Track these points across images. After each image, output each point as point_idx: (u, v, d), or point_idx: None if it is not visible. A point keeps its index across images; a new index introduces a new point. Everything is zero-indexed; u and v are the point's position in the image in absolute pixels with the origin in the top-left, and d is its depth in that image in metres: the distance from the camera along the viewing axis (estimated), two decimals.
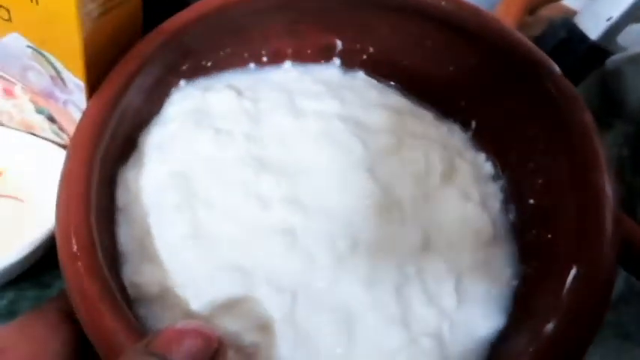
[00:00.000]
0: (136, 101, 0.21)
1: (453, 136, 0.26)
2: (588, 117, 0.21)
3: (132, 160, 0.21)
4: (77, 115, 0.22)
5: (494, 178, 0.24)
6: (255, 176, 0.21)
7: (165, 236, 0.20)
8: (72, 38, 0.20)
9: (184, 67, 0.24)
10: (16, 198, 0.23)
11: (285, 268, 0.20)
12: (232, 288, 0.19)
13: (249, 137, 0.22)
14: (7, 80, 0.22)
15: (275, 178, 0.22)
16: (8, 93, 0.23)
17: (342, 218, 0.21)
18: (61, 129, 0.24)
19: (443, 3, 0.24)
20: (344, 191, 0.22)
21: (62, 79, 0.21)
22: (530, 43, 0.23)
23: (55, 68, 0.21)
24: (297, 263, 0.20)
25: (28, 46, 0.21)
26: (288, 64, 0.26)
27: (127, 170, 0.21)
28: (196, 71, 0.24)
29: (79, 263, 0.17)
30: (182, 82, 0.24)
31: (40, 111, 0.23)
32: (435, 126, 0.26)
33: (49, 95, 0.22)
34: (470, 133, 0.25)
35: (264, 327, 0.19)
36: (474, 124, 0.25)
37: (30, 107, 0.23)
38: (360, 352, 0.19)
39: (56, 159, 0.23)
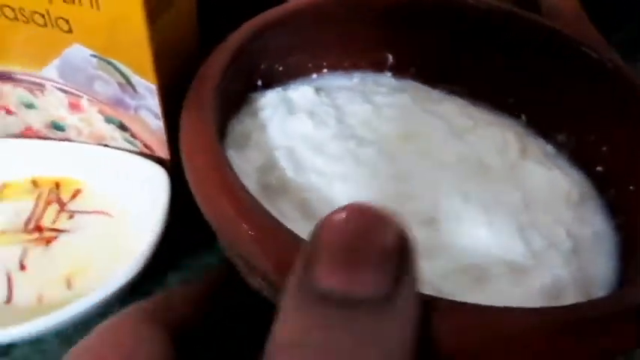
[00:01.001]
0: (230, 87, 0.21)
1: (513, 124, 0.27)
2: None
3: (229, 141, 0.21)
4: (151, 120, 0.22)
5: (559, 155, 0.25)
6: (357, 148, 0.22)
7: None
8: (139, 41, 0.19)
9: (262, 67, 0.24)
10: (104, 213, 0.23)
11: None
12: None
13: (340, 120, 0.23)
14: (73, 94, 0.22)
15: (376, 149, 0.22)
16: (75, 107, 0.22)
17: (448, 177, 0.22)
18: (134, 136, 0.23)
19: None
20: (442, 156, 0.23)
21: (132, 85, 0.20)
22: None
23: (123, 75, 0.20)
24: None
25: (92, 55, 0.20)
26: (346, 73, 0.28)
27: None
28: (270, 73, 0.25)
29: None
30: (259, 81, 0.24)
31: (109, 121, 0.22)
32: (494, 114, 0.27)
33: (118, 104, 0.21)
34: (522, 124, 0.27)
35: None
36: (523, 117, 0.27)
37: (99, 118, 0.22)
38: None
39: (135, 167, 0.23)
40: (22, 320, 0.18)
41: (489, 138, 0.26)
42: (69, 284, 0.20)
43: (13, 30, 0.20)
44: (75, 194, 0.23)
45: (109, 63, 0.20)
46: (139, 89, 0.20)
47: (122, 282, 0.18)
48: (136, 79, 0.20)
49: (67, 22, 0.19)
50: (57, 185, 0.23)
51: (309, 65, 0.28)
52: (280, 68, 0.27)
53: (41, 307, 0.19)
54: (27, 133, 0.24)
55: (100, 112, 0.22)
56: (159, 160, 0.23)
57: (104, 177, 0.23)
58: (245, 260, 0.17)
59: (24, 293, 0.20)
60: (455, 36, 0.29)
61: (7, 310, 0.19)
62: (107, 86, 0.21)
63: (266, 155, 0.21)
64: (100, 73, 0.20)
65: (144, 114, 0.21)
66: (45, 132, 0.24)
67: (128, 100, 0.21)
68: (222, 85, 0.20)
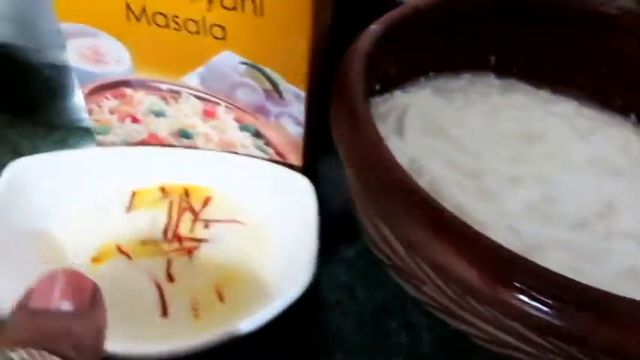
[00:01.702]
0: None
1: (625, 123, 0.28)
2: None
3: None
4: (290, 127, 0.21)
5: None
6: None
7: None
8: (299, 47, 0.18)
9: (380, 70, 0.24)
10: (237, 222, 0.22)
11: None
12: None
13: (461, 123, 0.24)
14: (210, 101, 0.21)
15: (506, 150, 0.23)
16: (209, 114, 0.22)
17: (586, 178, 0.23)
18: (268, 143, 0.22)
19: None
20: (571, 157, 0.24)
21: (279, 92, 0.20)
22: None
23: (272, 81, 0.20)
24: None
25: (242, 63, 0.19)
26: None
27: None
28: (386, 76, 0.25)
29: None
30: (377, 86, 0.24)
31: (244, 128, 0.22)
32: (607, 114, 0.28)
33: (258, 110, 0.21)
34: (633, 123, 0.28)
35: None
36: (633, 116, 0.28)
37: (233, 126, 0.22)
38: None
39: (266, 173, 0.22)
40: (182, 335, 0.18)
41: (611, 138, 0.26)
42: (220, 296, 0.20)
43: (162, 38, 0.19)
44: (206, 202, 0.22)
45: (259, 70, 0.19)
46: (287, 96, 0.20)
47: (289, 300, 0.18)
48: (285, 85, 0.20)
49: (223, 28, 0.18)
50: (186, 193, 0.23)
51: (419, 67, 0.28)
52: (394, 71, 0.26)
53: (199, 322, 0.19)
54: (148, 140, 0.24)
55: (237, 119, 0.22)
56: (289, 167, 0.23)
57: (234, 184, 0.22)
58: (439, 270, 0.16)
59: (178, 306, 0.19)
60: (560, 35, 0.28)
61: (164, 324, 0.19)
62: (251, 93, 0.20)
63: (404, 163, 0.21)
64: (246, 80, 0.20)
65: (284, 121, 0.21)
66: (169, 140, 0.23)
67: (270, 107, 0.21)
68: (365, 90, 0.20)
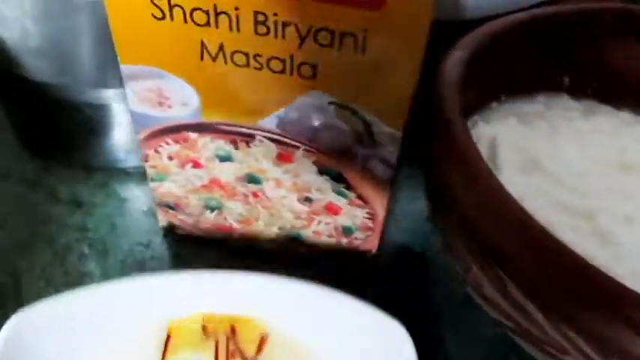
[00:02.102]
0: None
1: None
2: None
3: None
4: (380, 170, 0.19)
5: None
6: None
7: None
8: (403, 87, 0.16)
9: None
10: None
11: None
12: None
13: (554, 156, 0.22)
14: (288, 145, 0.19)
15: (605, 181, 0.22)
16: (284, 158, 0.20)
17: None
18: (349, 187, 0.20)
19: None
20: None
21: (370, 133, 0.18)
22: None
23: (364, 122, 0.17)
24: None
25: (331, 103, 0.17)
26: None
27: None
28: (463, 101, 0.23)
29: None
30: None
31: (324, 172, 0.20)
32: None
33: (343, 153, 0.19)
34: None
35: None
36: None
37: (311, 170, 0.20)
38: None
39: (343, 311, 0.17)
40: None
41: None
42: None
43: (239, 78, 0.17)
44: (261, 344, 0.18)
45: (352, 111, 0.17)
46: (379, 137, 0.18)
47: None
48: (379, 126, 0.17)
49: (314, 67, 0.16)
50: (233, 330, 0.18)
51: (493, 92, 0.26)
52: (472, 98, 0.24)
53: None
54: (209, 186, 0.22)
55: (316, 163, 0.19)
56: (371, 215, 0.21)
57: (297, 319, 0.18)
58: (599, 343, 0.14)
59: None
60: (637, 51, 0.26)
61: None
62: (338, 136, 0.18)
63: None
64: (334, 122, 0.18)
65: (372, 164, 0.19)
66: (233, 185, 0.21)
67: (358, 149, 0.18)
68: None
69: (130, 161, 0.27)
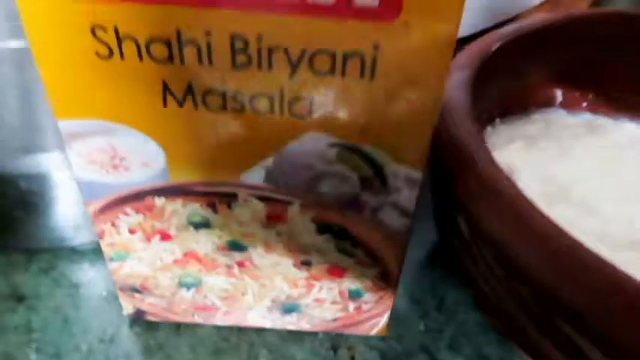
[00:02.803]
0: None
1: None
2: None
3: None
4: (392, 219, 0.15)
5: None
6: None
7: None
8: (425, 115, 0.13)
9: None
10: None
11: None
12: None
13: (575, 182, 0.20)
14: (279, 201, 0.15)
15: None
16: (275, 218, 0.16)
17: None
18: (356, 244, 0.17)
19: None
20: None
21: (382, 177, 0.14)
22: None
23: (374, 165, 0.14)
24: None
25: (333, 145, 0.14)
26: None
27: None
28: None
29: None
30: None
31: (325, 229, 0.16)
32: None
33: (349, 205, 0.15)
34: None
35: None
36: None
37: (309, 228, 0.16)
38: None
39: None
40: None
41: None
42: None
43: (215, 125, 0.13)
44: None
45: (358, 152, 0.14)
46: (393, 181, 0.15)
47: None
48: (393, 168, 0.14)
49: (311, 102, 0.13)
50: None
51: (489, 113, 0.23)
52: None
53: None
54: (184, 260, 0.18)
55: (315, 219, 0.16)
56: (383, 274, 0.17)
57: None
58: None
59: None
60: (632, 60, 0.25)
61: None
62: (341, 184, 0.15)
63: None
64: (336, 167, 0.14)
65: (384, 214, 0.16)
66: (213, 256, 0.17)
67: (367, 197, 0.15)
68: None
69: (80, 237, 0.23)
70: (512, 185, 0.14)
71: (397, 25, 0.11)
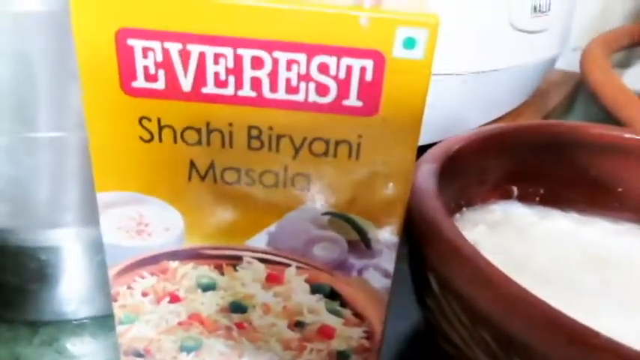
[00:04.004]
0: None
1: None
2: None
3: None
4: (375, 280, 0.18)
5: None
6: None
7: None
8: (399, 188, 0.16)
9: None
10: None
11: None
12: None
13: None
14: (279, 264, 0.18)
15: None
16: (274, 279, 0.18)
17: None
18: (344, 304, 0.19)
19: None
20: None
21: (366, 241, 0.17)
22: None
23: (359, 231, 0.17)
24: None
25: (325, 214, 0.17)
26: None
27: None
28: None
29: None
30: None
31: (317, 289, 0.19)
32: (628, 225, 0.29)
33: (337, 267, 0.18)
34: None
35: None
36: None
37: (303, 289, 0.18)
38: None
39: None
40: None
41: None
42: None
43: (230, 195, 0.17)
44: None
45: (347, 220, 0.17)
46: (375, 245, 0.17)
47: None
48: (374, 233, 0.17)
49: (309, 178, 0.16)
50: None
51: (456, 203, 0.27)
52: None
53: None
54: (188, 322, 0.19)
55: (309, 280, 0.18)
56: (367, 333, 0.19)
57: None
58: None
59: None
60: (576, 162, 0.30)
61: None
62: (332, 248, 0.18)
63: None
64: (327, 233, 0.17)
65: (368, 274, 0.18)
66: (215, 318, 0.19)
67: (352, 260, 0.18)
68: None
69: (82, 312, 0.24)
70: (472, 247, 0.17)
71: (376, 119, 0.15)
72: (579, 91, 0.56)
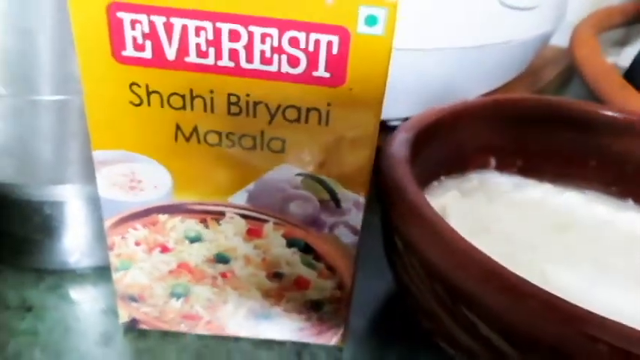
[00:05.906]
0: None
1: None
2: None
3: None
4: (345, 236, 0.20)
5: None
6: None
7: None
8: (364, 157, 0.18)
9: None
10: None
11: None
12: None
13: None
14: (258, 219, 0.20)
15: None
16: (254, 233, 0.20)
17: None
18: (318, 258, 0.21)
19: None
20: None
21: (336, 201, 0.19)
22: None
23: (330, 191, 0.19)
24: None
25: (299, 175, 0.19)
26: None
27: None
28: None
29: None
30: None
31: (292, 244, 0.20)
32: (609, 201, 0.30)
33: (310, 224, 0.20)
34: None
35: None
36: (631, 200, 0.30)
37: (280, 243, 0.20)
38: None
39: None
40: None
41: (630, 223, 0.27)
42: None
43: (212, 157, 0.18)
44: None
45: (318, 181, 0.19)
46: (344, 204, 0.19)
47: None
48: (343, 194, 0.19)
49: (283, 142, 0.18)
50: None
51: (433, 172, 0.29)
52: (415, 173, 0.27)
53: None
54: (177, 271, 0.22)
55: (285, 235, 0.20)
56: (339, 285, 0.21)
57: None
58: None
59: None
60: (555, 135, 0.31)
61: None
62: (305, 206, 0.19)
63: None
64: (301, 192, 0.19)
65: (339, 231, 0.20)
66: (201, 268, 0.21)
67: (325, 218, 0.20)
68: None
69: (84, 262, 0.26)
70: (431, 208, 0.18)
71: (343, 89, 0.17)
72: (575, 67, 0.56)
